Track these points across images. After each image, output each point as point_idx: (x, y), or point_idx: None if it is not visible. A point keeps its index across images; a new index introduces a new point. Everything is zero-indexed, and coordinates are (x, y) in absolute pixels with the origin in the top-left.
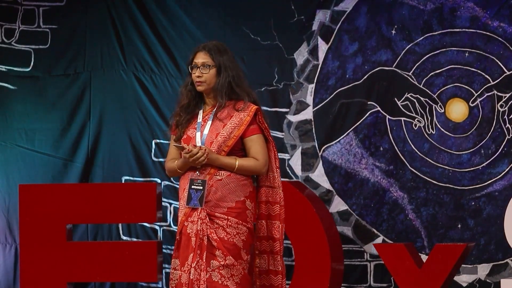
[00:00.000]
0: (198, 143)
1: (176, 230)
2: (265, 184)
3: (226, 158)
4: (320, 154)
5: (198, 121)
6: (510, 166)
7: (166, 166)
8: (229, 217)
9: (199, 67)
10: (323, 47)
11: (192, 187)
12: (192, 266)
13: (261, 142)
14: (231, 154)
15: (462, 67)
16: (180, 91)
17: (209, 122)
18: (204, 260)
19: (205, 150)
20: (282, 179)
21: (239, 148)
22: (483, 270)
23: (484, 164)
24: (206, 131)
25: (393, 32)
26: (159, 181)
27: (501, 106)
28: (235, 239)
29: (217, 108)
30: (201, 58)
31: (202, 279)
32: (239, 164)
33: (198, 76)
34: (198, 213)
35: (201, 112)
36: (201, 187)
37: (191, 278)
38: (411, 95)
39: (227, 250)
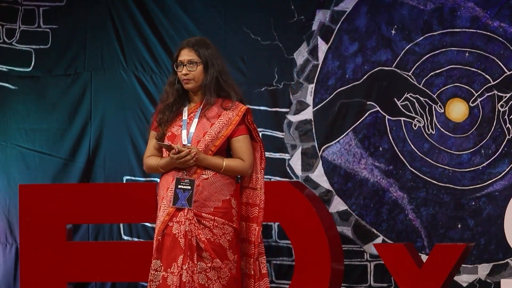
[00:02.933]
0: (184, 141)
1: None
2: (248, 185)
3: (213, 158)
4: (320, 154)
5: (184, 118)
6: (510, 166)
7: (145, 163)
8: (215, 218)
9: (185, 64)
10: (323, 47)
11: (179, 186)
12: (184, 268)
13: (248, 143)
14: (217, 154)
15: (462, 67)
16: (165, 89)
17: (195, 120)
18: (196, 262)
19: (195, 152)
20: (283, 179)
21: (225, 148)
22: (483, 270)
23: (484, 164)
24: (192, 129)
25: (393, 32)
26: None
27: (502, 106)
28: (221, 240)
29: (205, 105)
30: (186, 55)
31: (195, 281)
32: (226, 164)
33: (185, 74)
34: (185, 214)
35: (186, 109)
36: (189, 187)
37: (184, 280)
38: (410, 95)
39: (214, 252)
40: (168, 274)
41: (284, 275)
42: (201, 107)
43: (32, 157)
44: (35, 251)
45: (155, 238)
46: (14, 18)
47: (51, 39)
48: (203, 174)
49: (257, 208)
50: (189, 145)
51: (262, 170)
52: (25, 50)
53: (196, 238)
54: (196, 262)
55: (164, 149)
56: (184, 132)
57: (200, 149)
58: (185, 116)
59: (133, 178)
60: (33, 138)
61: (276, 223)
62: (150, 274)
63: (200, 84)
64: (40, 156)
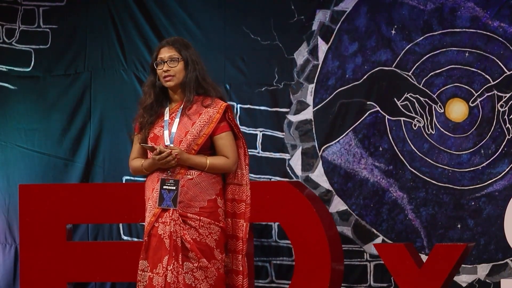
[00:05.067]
0: (167, 142)
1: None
2: (233, 181)
3: (197, 158)
4: (320, 154)
5: (165, 119)
6: (510, 166)
7: (130, 166)
8: (201, 218)
9: (166, 61)
10: (323, 47)
11: (164, 187)
12: (169, 269)
13: (231, 139)
14: (200, 152)
15: (462, 67)
16: (143, 90)
17: (177, 120)
18: (180, 263)
19: (176, 152)
20: (283, 179)
21: (208, 147)
22: (483, 270)
23: (484, 164)
24: (174, 129)
25: (393, 32)
26: None
27: (501, 106)
28: (207, 239)
29: (185, 103)
30: (167, 52)
31: (180, 282)
32: (210, 163)
33: (167, 71)
34: (170, 214)
35: (167, 109)
36: (174, 187)
37: (168, 281)
38: (410, 95)
39: (200, 252)
40: (154, 274)
41: (284, 275)
42: (181, 106)
43: (32, 157)
44: (35, 251)
45: (144, 239)
46: (14, 18)
47: (51, 39)
48: (187, 175)
49: (244, 204)
50: (171, 145)
51: (246, 166)
52: (25, 50)
53: (181, 238)
54: (181, 263)
55: (148, 151)
56: (166, 133)
57: (183, 149)
58: (166, 116)
59: (132, 178)
60: (33, 138)
61: (276, 223)
62: (138, 274)
63: (181, 82)
64: (40, 156)
